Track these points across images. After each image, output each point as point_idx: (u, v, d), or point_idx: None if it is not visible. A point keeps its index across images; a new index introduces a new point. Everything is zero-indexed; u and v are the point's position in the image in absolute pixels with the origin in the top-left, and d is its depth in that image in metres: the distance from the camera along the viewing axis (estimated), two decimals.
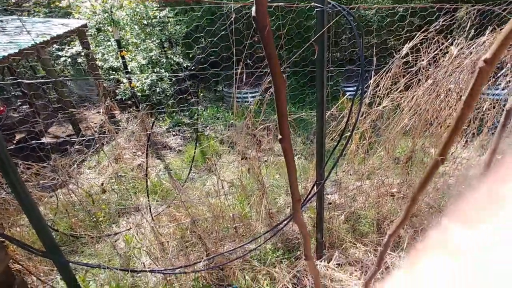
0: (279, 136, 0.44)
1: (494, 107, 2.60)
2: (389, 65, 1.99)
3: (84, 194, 3.11)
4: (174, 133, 6.04)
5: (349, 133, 1.86)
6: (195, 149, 3.04)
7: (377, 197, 2.69)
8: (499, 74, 2.61)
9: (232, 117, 6.14)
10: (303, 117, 4.73)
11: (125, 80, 6.18)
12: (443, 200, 3.12)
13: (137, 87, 6.15)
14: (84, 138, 4.27)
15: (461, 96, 2.37)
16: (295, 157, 4.51)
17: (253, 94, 6.13)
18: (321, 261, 2.21)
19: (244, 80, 2.08)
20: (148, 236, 2.48)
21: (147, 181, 2.55)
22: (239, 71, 1.94)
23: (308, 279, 2.01)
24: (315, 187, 2.05)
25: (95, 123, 6.69)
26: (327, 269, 2.10)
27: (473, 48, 2.13)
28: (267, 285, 2.33)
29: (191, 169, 3.11)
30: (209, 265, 2.32)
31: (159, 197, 3.37)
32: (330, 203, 3.09)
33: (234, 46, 1.83)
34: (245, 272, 2.46)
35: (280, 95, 0.42)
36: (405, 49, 1.94)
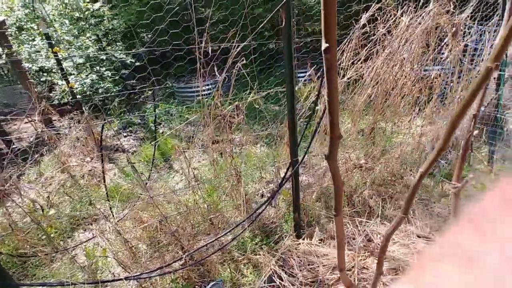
0: (325, 45, 0.35)
1: (440, 75, 2.81)
2: (350, 36, 2.01)
3: (28, 209, 2.71)
4: (125, 134, 5.60)
5: (318, 106, 1.84)
6: (154, 146, 2.81)
7: (345, 171, 2.75)
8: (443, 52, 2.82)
9: (187, 111, 5.89)
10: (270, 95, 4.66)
11: (60, 82, 5.54)
12: (402, 168, 3.32)
13: (76, 88, 5.55)
14: (16, 149, 3.72)
15: (413, 66, 2.51)
16: (259, 145, 4.47)
17: (208, 86, 5.92)
18: (303, 239, 2.19)
19: (199, 72, 1.94)
20: (114, 243, 2.23)
21: (105, 185, 2.28)
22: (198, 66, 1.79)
23: (294, 259, 1.97)
24: (291, 167, 2.00)
25: (28, 133, 5.91)
26: (311, 246, 2.08)
27: (422, 18, 2.24)
28: (250, 273, 2.25)
29: (153, 165, 2.87)
30: (186, 263, 2.16)
31: (119, 201, 3.07)
32: (300, 183, 3.10)
33: (196, 38, 1.68)
34: (226, 264, 2.35)
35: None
36: (363, 20, 1.97)
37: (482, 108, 3.53)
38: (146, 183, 2.77)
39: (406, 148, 3.30)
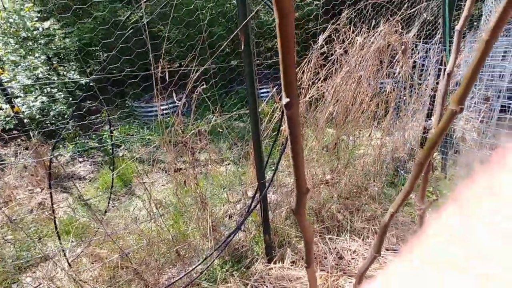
0: (285, 100, 0.30)
1: (394, 90, 2.96)
2: (309, 56, 2.05)
3: None
4: (81, 159, 5.21)
5: (283, 126, 1.82)
6: (112, 172, 2.61)
7: (313, 187, 2.76)
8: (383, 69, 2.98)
9: (149, 132, 5.65)
10: (233, 117, 4.63)
11: (4, 106, 5.07)
12: (366, 179, 3.42)
13: (23, 112, 5.11)
14: None
15: (370, 82, 2.62)
16: (225, 163, 4.37)
17: (171, 105, 5.75)
18: (274, 263, 2.12)
19: (159, 92, 1.85)
20: (67, 286, 1.99)
21: (55, 220, 2.05)
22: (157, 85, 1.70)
23: (266, 286, 1.88)
24: (259, 190, 1.95)
25: None
26: (283, 270, 2.02)
27: (374, 37, 2.35)
28: None
29: (111, 196, 2.66)
30: None
31: (74, 236, 2.79)
32: (269, 203, 3.05)
33: (156, 59, 1.60)
34: None
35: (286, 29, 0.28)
36: (320, 40, 2.02)
37: (433, 119, 3.78)
38: (104, 214, 2.55)
39: (368, 160, 3.40)
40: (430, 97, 3.69)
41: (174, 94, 1.50)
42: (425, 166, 0.44)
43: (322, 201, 2.98)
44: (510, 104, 3.15)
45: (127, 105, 6.75)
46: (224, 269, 2.42)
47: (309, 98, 2.05)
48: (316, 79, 2.09)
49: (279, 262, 2.12)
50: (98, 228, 2.35)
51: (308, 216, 2.91)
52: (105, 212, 2.56)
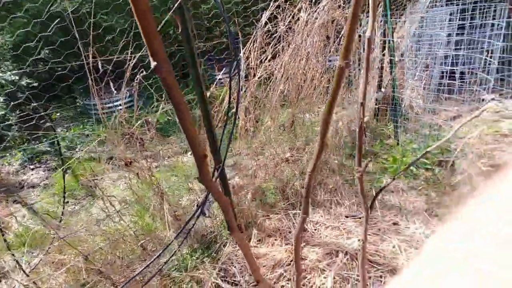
0: (153, 64, 0.29)
1: None
2: (254, 36, 2.04)
3: None
4: (32, 166, 4.86)
5: (234, 110, 1.81)
6: (64, 177, 2.47)
7: (275, 166, 2.81)
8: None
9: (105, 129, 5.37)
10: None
11: None
12: (326, 154, 3.54)
13: None
14: None
15: (318, 59, 2.67)
16: (188, 154, 4.30)
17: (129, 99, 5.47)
18: None
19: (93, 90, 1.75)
20: None
21: (1, 231, 1.91)
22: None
23: (235, 267, 1.92)
24: (215, 173, 1.94)
25: None
26: (250, 249, 2.06)
27: (317, 13, 2.39)
28: None
29: (65, 200, 2.52)
30: None
31: (30, 246, 2.63)
32: (233, 187, 3.08)
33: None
34: None
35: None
36: (264, 18, 2.01)
37: (383, 90, 3.97)
38: (61, 220, 2.42)
39: (327, 135, 3.52)
40: (379, 69, 3.86)
41: (111, 84, 1.43)
42: (329, 121, 0.46)
43: (286, 179, 3.06)
44: (447, 69, 3.39)
45: (78, 103, 6.34)
46: (194, 257, 2.43)
47: (258, 78, 2.06)
48: (264, 58, 2.09)
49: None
50: (55, 235, 2.23)
51: (274, 195, 2.98)
52: (62, 215, 2.43)
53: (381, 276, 1.68)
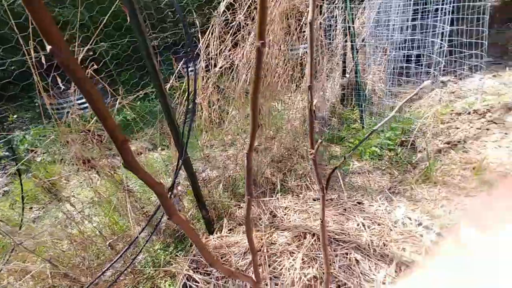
0: (48, 48, 0.28)
1: (306, 53, 3.09)
2: (213, 25, 2.01)
3: None
4: None
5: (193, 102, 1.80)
6: (20, 181, 2.34)
7: (243, 156, 2.83)
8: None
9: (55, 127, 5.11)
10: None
11: None
12: (295, 141, 3.61)
13: None
14: None
15: (280, 47, 2.69)
16: (158, 149, 4.22)
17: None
18: (214, 234, 2.18)
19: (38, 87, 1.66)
20: None
21: None
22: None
23: None
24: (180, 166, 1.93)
25: None
26: (222, 239, 2.08)
27: (276, 1, 2.39)
28: (169, 285, 2.13)
29: (24, 206, 2.40)
30: None
31: None
32: (205, 180, 3.07)
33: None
34: (142, 285, 2.17)
35: None
36: (222, 7, 1.99)
37: (347, 75, 4.07)
38: (20, 226, 2.30)
39: (295, 123, 3.58)
40: (342, 56, 3.95)
41: (58, 80, 1.36)
42: (256, 101, 0.47)
43: (257, 168, 3.09)
44: (404, 53, 3.53)
45: (36, 103, 5.98)
46: (167, 252, 2.41)
47: (219, 68, 2.04)
48: (224, 48, 2.07)
49: (218, 233, 2.18)
50: (15, 243, 2.12)
51: (244, 184, 3.00)
52: (21, 222, 2.31)
53: (346, 253, 1.76)
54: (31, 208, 3.59)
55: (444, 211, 2.31)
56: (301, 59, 3.13)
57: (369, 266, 1.66)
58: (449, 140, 3.11)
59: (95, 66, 1.38)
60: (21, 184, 2.08)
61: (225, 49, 2.04)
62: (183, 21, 1.52)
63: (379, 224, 1.95)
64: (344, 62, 3.96)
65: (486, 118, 3.10)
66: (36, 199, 3.70)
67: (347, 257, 1.74)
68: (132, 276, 2.26)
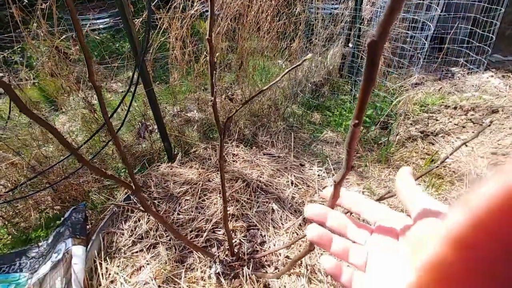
0: None
1: (304, 11, 3.04)
2: None
3: None
4: None
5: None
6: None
7: (220, 103, 2.98)
8: None
9: None
10: None
11: None
12: (279, 100, 3.69)
13: None
14: None
15: None
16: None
17: None
18: (169, 163, 2.44)
19: None
20: None
21: None
22: None
23: (152, 180, 2.21)
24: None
25: None
26: (171, 168, 2.34)
27: None
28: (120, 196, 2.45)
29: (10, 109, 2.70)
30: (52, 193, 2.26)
31: None
32: (188, 120, 3.31)
33: None
34: (101, 192, 2.50)
35: None
36: None
37: (350, 45, 3.98)
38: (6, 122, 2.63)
39: (285, 83, 3.64)
40: (349, 23, 3.82)
41: None
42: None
43: (235, 118, 3.25)
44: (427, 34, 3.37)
45: None
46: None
47: (195, 11, 2.10)
48: None
49: (170, 163, 2.44)
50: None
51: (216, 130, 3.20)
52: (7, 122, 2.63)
53: (266, 202, 1.98)
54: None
55: (385, 191, 2.45)
56: (296, 17, 3.09)
57: (281, 216, 1.88)
58: (424, 130, 3.12)
59: None
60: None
61: None
62: None
63: (308, 186, 2.14)
64: (350, 30, 3.83)
65: (467, 116, 3.06)
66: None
67: (266, 205, 1.95)
68: (97, 184, 2.60)
